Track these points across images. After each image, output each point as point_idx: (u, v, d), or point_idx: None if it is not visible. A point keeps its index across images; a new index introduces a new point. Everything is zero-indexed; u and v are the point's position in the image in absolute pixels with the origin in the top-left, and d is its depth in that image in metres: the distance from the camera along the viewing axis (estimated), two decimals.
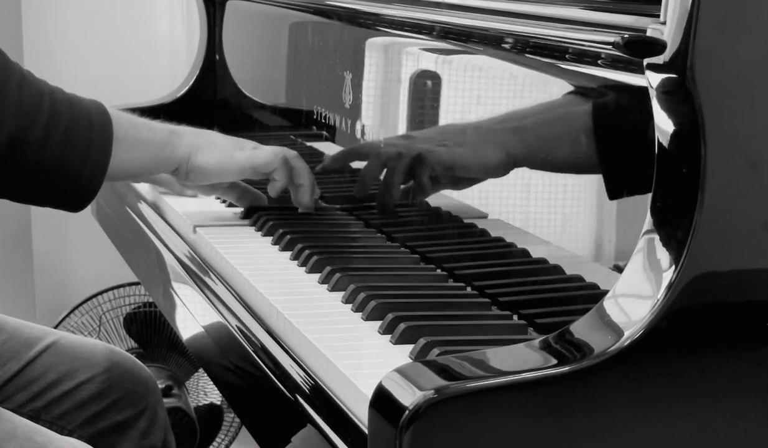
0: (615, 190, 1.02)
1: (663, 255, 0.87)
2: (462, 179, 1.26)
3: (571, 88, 1.10)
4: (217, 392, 2.57)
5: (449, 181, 1.28)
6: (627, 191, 1.00)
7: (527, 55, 1.16)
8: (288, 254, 1.35)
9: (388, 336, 1.07)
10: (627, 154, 0.99)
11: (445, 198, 1.30)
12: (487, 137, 1.20)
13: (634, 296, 0.88)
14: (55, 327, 2.56)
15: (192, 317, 1.35)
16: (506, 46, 1.20)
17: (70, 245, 2.81)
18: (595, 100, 1.04)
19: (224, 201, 1.60)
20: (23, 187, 1.34)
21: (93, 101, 1.35)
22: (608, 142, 1.02)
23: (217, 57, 2.14)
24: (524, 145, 1.15)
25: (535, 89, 1.17)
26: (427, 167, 1.30)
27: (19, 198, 1.36)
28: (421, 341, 1.01)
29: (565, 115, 1.08)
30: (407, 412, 0.81)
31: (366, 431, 0.88)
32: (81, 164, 1.30)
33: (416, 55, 1.40)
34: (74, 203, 1.34)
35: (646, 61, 0.91)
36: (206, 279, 1.35)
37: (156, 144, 1.39)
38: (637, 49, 0.91)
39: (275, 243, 1.39)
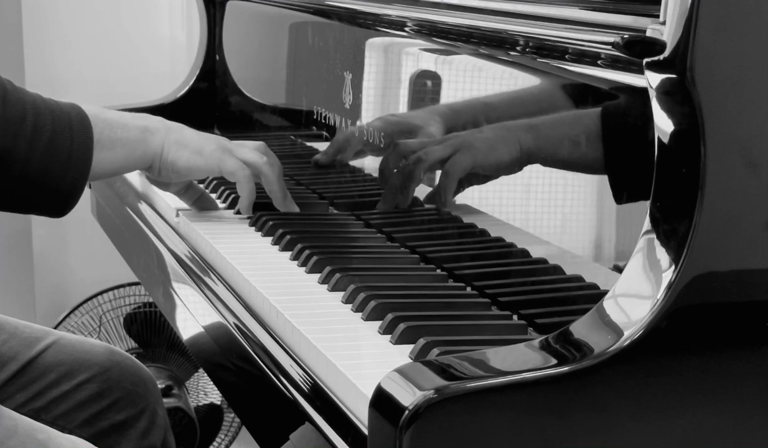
0: (621, 195, 1.01)
1: (663, 255, 0.87)
2: (475, 178, 1.25)
3: (575, 87, 1.10)
4: (217, 392, 2.57)
5: (464, 182, 1.27)
6: (633, 196, 1.00)
7: (527, 55, 1.16)
8: (288, 254, 1.35)
9: (388, 336, 1.07)
10: (634, 158, 0.99)
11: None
12: (501, 136, 1.20)
13: (634, 296, 0.88)
14: (55, 327, 2.56)
15: (192, 317, 1.35)
16: (506, 46, 1.20)
17: (70, 245, 2.81)
18: (606, 102, 1.04)
19: (224, 201, 1.60)
20: (8, 197, 1.35)
21: (72, 106, 1.35)
22: (616, 145, 1.02)
23: (218, 57, 2.14)
24: (537, 143, 1.15)
25: (535, 89, 1.17)
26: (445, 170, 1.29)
27: (3, 207, 1.37)
28: (421, 341, 1.01)
29: (578, 115, 1.08)
30: (407, 412, 0.81)
31: (366, 431, 0.88)
32: (63, 173, 1.31)
33: (416, 55, 1.40)
34: (57, 210, 1.35)
35: (645, 61, 0.91)
36: (206, 279, 1.35)
37: (131, 142, 1.40)
38: (637, 49, 0.91)
39: (275, 243, 1.39)
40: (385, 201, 1.43)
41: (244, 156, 1.45)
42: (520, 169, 1.15)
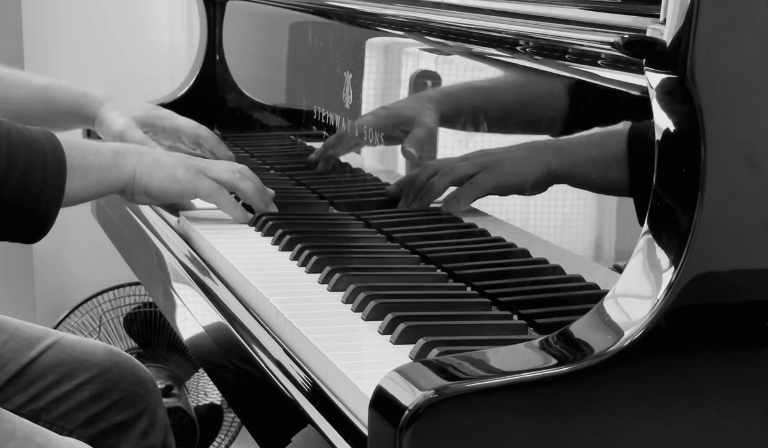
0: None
1: (663, 255, 0.87)
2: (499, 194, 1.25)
3: (560, 84, 1.10)
4: (217, 392, 2.58)
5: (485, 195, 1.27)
6: None
7: (527, 55, 1.16)
8: (288, 254, 1.35)
9: (388, 336, 1.07)
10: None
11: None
12: (528, 157, 1.19)
13: (634, 296, 0.88)
14: (55, 327, 2.56)
15: (192, 317, 1.35)
16: (506, 46, 1.20)
17: (70, 245, 2.81)
18: (633, 123, 1.03)
19: None
20: None
21: (45, 133, 1.34)
22: (642, 168, 1.01)
23: (218, 57, 2.14)
24: (564, 164, 1.14)
25: (536, 89, 1.17)
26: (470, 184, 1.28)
27: None
28: (421, 341, 1.01)
29: (605, 136, 1.06)
30: (407, 412, 0.81)
31: (366, 431, 0.88)
32: (36, 203, 1.31)
33: (416, 55, 1.40)
34: (29, 238, 1.35)
35: (645, 61, 0.91)
36: (206, 279, 1.35)
37: (103, 167, 1.40)
38: (637, 49, 0.91)
39: (275, 243, 1.39)
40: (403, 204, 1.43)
41: (217, 175, 1.45)
42: (545, 189, 1.14)
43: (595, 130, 1.08)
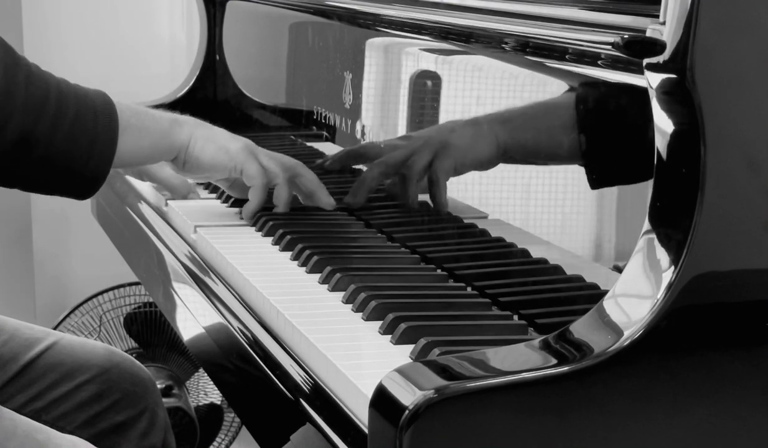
0: (596, 180, 1.03)
1: (663, 255, 0.87)
2: (453, 172, 1.28)
3: (560, 84, 1.10)
4: (217, 392, 2.58)
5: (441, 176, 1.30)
6: (608, 181, 1.01)
7: (527, 55, 1.16)
8: (288, 254, 1.35)
9: (389, 336, 1.07)
10: (607, 144, 1.00)
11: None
12: (476, 131, 1.22)
13: (634, 296, 0.88)
14: (55, 327, 2.56)
15: (192, 317, 1.35)
16: (506, 46, 1.20)
17: (70, 245, 2.81)
18: (577, 91, 1.05)
19: (225, 200, 1.61)
20: (32, 178, 1.36)
21: (97, 92, 1.36)
22: (590, 131, 1.04)
23: (218, 57, 2.14)
24: (512, 136, 1.17)
25: (535, 89, 1.17)
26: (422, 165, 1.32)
27: (27, 187, 1.38)
28: (422, 341, 1.01)
29: (550, 105, 1.09)
30: (407, 412, 0.81)
31: (366, 430, 0.88)
32: (87, 155, 1.32)
33: (416, 55, 1.40)
34: (81, 192, 1.36)
35: (645, 61, 0.91)
36: (206, 279, 1.35)
37: (158, 132, 1.40)
38: (637, 50, 0.91)
39: (275, 243, 1.39)
40: (355, 196, 1.45)
41: (267, 164, 1.45)
42: (496, 164, 1.18)
43: (543, 99, 1.11)
